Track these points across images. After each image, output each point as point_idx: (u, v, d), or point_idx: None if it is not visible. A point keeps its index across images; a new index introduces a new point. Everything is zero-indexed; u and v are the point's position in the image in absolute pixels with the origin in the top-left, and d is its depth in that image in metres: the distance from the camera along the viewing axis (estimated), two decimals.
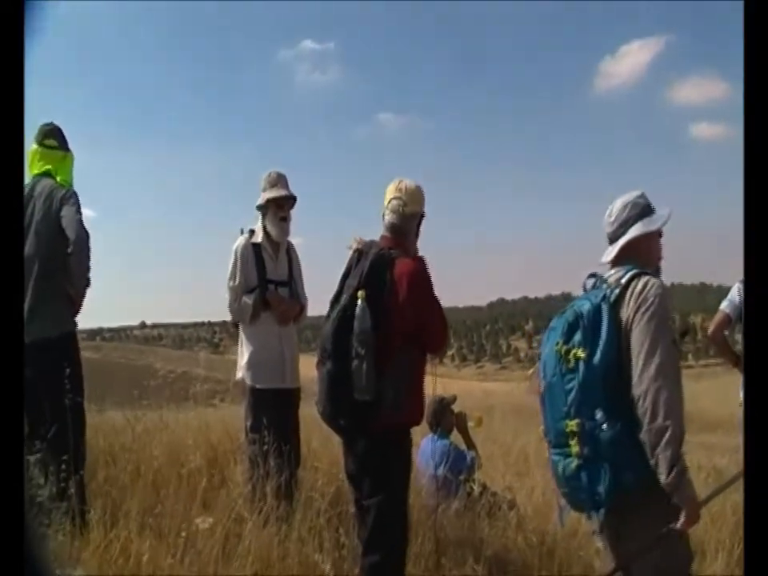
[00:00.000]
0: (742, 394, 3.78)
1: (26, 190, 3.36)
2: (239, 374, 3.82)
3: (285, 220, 3.82)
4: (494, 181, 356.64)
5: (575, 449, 2.10)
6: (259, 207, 3.83)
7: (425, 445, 4.88)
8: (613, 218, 2.37)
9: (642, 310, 2.12)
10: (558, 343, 2.18)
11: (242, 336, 3.85)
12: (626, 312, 2.16)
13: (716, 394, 19.00)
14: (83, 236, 3.23)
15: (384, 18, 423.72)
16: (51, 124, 3.57)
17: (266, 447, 3.41)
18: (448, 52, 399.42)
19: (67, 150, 3.59)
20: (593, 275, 2.37)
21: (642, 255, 2.32)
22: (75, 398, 3.11)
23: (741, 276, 3.47)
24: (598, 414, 2.06)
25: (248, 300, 3.72)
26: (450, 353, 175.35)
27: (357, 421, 2.59)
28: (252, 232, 3.82)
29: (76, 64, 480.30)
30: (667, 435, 2.00)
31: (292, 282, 3.89)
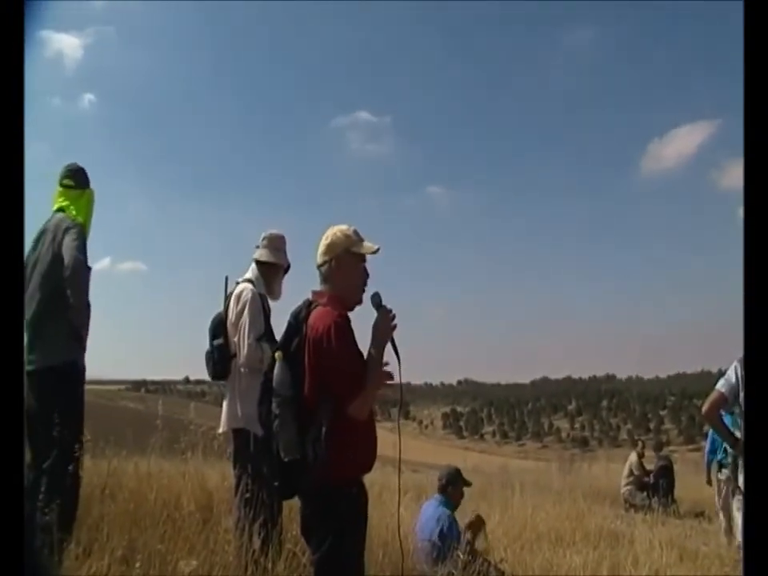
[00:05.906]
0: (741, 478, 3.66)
1: (43, 225, 3.59)
2: (237, 424, 3.78)
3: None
4: (538, 258, 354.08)
5: None
6: (265, 264, 3.99)
7: (425, 508, 4.84)
8: None
9: None
10: None
11: (240, 386, 3.80)
12: None
13: None
14: (78, 262, 3.31)
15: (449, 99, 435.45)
16: (72, 164, 3.81)
17: (248, 495, 3.45)
18: (498, 132, 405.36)
19: (85, 188, 3.78)
20: None
21: None
22: (63, 430, 3.10)
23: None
24: None
25: (266, 348, 3.67)
26: (490, 429, 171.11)
27: (288, 482, 2.52)
28: (251, 282, 3.92)
29: (146, 124, 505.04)
30: None
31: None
